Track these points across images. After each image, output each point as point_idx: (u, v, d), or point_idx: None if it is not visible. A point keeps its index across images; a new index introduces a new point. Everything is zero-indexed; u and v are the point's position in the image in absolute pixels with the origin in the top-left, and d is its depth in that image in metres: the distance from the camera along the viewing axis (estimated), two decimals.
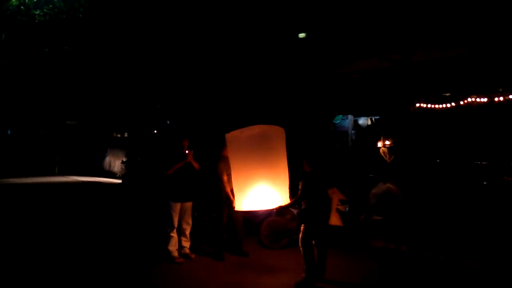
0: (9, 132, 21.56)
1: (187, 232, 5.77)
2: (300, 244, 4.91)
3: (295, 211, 6.44)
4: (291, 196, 5.12)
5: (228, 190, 5.70)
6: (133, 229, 7.65)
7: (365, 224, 6.63)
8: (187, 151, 5.66)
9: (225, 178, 5.74)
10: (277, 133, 5.12)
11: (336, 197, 5.81)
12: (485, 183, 6.56)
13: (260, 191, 4.88)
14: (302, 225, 4.97)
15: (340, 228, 5.86)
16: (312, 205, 4.91)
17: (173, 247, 5.61)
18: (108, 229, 7.70)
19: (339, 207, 5.85)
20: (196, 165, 5.72)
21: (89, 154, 19.16)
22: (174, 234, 5.62)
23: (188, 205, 5.73)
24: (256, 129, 5.06)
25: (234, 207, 5.40)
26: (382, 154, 7.72)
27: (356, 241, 6.60)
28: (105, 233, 7.36)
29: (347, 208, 6.10)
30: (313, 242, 4.90)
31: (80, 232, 7.32)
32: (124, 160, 14.51)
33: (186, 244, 5.79)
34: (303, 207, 5.00)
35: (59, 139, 18.94)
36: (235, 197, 5.12)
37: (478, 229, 5.90)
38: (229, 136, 5.17)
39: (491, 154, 6.81)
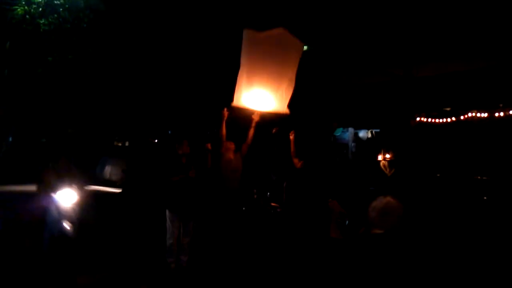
0: (10, 139, 21.56)
1: (186, 243, 5.72)
2: None
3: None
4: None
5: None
6: (132, 238, 7.59)
7: (365, 238, 6.58)
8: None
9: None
10: (294, 45, 4.94)
11: (336, 209, 5.80)
12: (485, 198, 6.56)
13: (260, 92, 4.76)
14: None
15: (340, 241, 5.83)
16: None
17: (171, 257, 5.58)
18: (107, 236, 7.64)
19: (339, 220, 5.83)
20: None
21: (89, 163, 19.13)
22: (172, 245, 5.58)
23: (188, 215, 5.70)
24: (276, 32, 4.87)
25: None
26: (383, 167, 7.72)
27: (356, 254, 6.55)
28: (104, 240, 7.31)
29: (347, 221, 6.08)
30: None
31: (79, 238, 7.26)
32: (124, 169, 14.48)
33: (184, 258, 5.71)
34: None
35: (60, 147, 18.93)
36: (236, 92, 4.97)
37: (480, 244, 5.87)
38: (247, 32, 4.97)
39: (492, 169, 6.81)
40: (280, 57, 4.84)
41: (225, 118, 5.78)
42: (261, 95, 4.81)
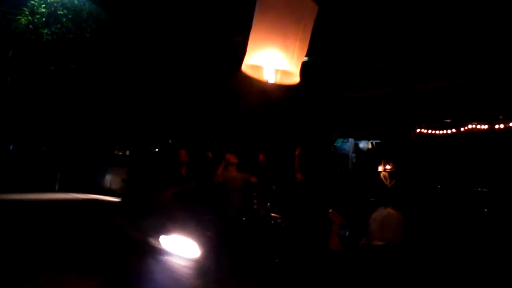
0: (11, 147, 21.58)
1: None
2: None
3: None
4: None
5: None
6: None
7: (365, 249, 6.55)
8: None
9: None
10: (308, 5, 4.86)
11: (336, 220, 5.79)
12: (485, 210, 6.54)
13: (271, 51, 4.65)
14: None
15: (340, 252, 5.80)
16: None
17: None
18: (105, 247, 7.60)
19: (339, 231, 5.81)
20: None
21: (89, 171, 19.12)
22: None
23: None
24: None
25: None
26: (383, 179, 7.70)
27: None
28: (102, 251, 7.27)
29: (347, 233, 6.06)
30: None
31: (75, 249, 7.23)
32: (124, 178, 14.46)
33: None
34: None
35: (60, 156, 18.95)
36: (246, 54, 4.90)
37: (481, 256, 5.84)
38: None
39: (492, 181, 6.80)
40: (292, 16, 4.70)
41: (227, 162, 6.16)
42: (272, 54, 4.61)
